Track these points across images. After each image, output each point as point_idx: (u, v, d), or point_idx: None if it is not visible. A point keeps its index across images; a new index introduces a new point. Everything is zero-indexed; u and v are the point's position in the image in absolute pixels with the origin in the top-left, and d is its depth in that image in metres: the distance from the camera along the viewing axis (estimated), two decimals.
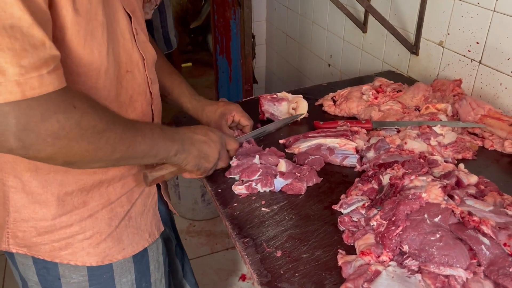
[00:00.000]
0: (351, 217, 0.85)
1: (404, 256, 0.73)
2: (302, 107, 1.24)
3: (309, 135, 1.13)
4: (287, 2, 2.52)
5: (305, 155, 1.06)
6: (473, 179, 0.91)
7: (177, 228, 1.19)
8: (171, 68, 1.09)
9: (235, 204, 0.93)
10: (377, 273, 0.70)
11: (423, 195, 0.78)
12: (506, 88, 1.23)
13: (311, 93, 1.41)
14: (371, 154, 1.04)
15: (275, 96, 1.26)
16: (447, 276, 0.69)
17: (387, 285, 0.68)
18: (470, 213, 0.75)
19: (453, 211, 0.76)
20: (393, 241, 0.74)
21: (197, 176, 0.91)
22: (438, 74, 1.46)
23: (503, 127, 1.12)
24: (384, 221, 0.78)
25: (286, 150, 1.11)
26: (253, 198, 0.95)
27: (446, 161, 0.99)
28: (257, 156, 1.01)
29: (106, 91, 0.73)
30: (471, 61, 1.32)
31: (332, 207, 0.91)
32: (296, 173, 0.98)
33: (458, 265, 0.69)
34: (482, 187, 0.89)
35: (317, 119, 1.23)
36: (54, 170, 0.75)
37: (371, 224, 0.80)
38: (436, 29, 1.43)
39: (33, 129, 0.55)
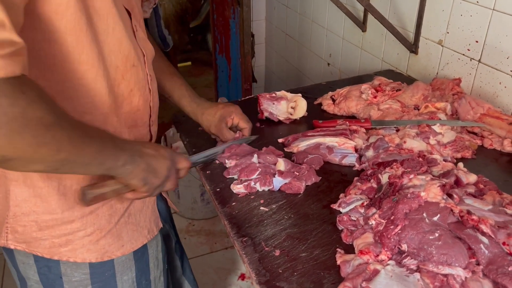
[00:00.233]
0: (350, 216, 0.85)
1: (403, 255, 0.73)
2: (301, 106, 1.24)
3: (308, 134, 1.13)
4: (287, 1, 2.51)
5: (304, 154, 1.05)
6: (472, 178, 0.91)
7: (176, 227, 1.19)
8: (171, 68, 1.08)
9: (233, 203, 0.93)
10: (376, 272, 0.70)
11: (422, 194, 0.78)
12: (505, 87, 1.23)
13: (310, 92, 1.41)
14: (370, 153, 1.04)
15: (274, 95, 1.26)
16: (445, 275, 0.69)
17: (386, 284, 0.68)
18: (469, 212, 0.75)
19: (452, 210, 0.76)
20: (392, 240, 0.74)
21: (141, 195, 0.81)
22: (437, 73, 1.46)
23: (502, 126, 1.11)
24: (382, 220, 0.77)
25: (285, 149, 1.11)
26: (252, 197, 0.94)
27: (445, 160, 0.99)
28: (255, 155, 1.01)
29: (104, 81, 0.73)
30: (471, 60, 1.32)
31: (331, 206, 0.91)
32: (295, 172, 0.98)
33: (457, 264, 0.69)
34: (481, 186, 0.89)
35: (316, 118, 1.23)
36: None
37: (370, 223, 0.80)
38: (436, 28, 1.43)
39: None
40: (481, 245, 0.71)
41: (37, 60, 0.65)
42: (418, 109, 1.22)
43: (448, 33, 1.38)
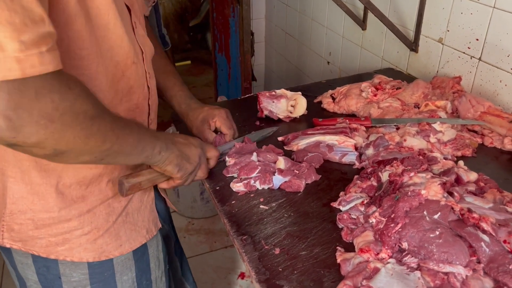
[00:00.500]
0: (350, 214, 0.84)
1: (403, 253, 0.73)
2: (301, 104, 1.24)
3: (308, 132, 1.12)
4: (286, 0, 2.51)
5: (303, 152, 1.05)
6: (473, 176, 0.90)
7: (175, 226, 1.18)
8: (167, 67, 1.08)
9: (233, 202, 0.93)
10: (376, 270, 0.70)
11: (423, 192, 0.78)
12: (506, 85, 1.23)
13: (310, 90, 1.41)
14: (370, 151, 1.04)
15: (273, 93, 1.25)
16: (446, 273, 0.68)
17: (386, 282, 0.68)
18: (469, 210, 0.74)
19: (452, 208, 0.75)
20: (392, 238, 0.74)
21: (175, 183, 0.87)
22: (437, 71, 1.46)
23: (502, 124, 1.11)
24: (383, 218, 0.77)
25: (285, 147, 1.11)
26: (252, 195, 0.94)
27: (445, 158, 0.99)
28: (255, 154, 1.01)
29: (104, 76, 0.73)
30: (471, 58, 1.32)
31: (331, 204, 0.91)
32: (295, 171, 0.98)
33: (457, 262, 0.69)
34: (482, 184, 0.88)
35: (316, 117, 1.22)
36: None
37: (370, 221, 0.79)
38: (436, 26, 1.42)
39: (26, 107, 0.51)
40: (482, 243, 0.70)
41: None
42: (418, 107, 1.22)
43: (448, 31, 1.38)
